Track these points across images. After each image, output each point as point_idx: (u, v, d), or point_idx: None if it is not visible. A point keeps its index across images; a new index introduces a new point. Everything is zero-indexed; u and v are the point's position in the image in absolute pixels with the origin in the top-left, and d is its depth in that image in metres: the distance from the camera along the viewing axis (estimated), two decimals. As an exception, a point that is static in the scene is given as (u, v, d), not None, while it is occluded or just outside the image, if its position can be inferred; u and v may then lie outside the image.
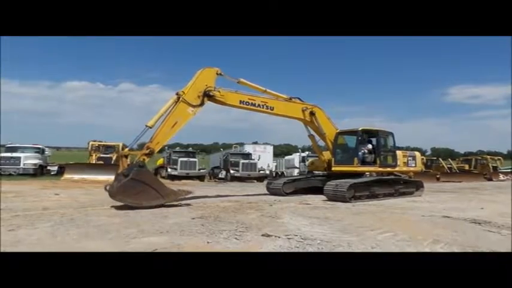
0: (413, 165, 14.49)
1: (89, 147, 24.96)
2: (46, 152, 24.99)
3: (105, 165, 21.55)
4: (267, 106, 12.02)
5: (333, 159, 13.40)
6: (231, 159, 25.55)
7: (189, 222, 6.68)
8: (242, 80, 11.96)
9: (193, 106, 10.34)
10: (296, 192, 13.36)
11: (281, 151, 61.15)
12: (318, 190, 12.57)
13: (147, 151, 9.43)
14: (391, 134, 13.72)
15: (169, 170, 23.51)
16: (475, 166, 34.76)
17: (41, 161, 23.30)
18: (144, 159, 9.21)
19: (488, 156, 36.27)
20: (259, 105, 11.86)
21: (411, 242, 5.23)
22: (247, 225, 6.35)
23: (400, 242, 5.23)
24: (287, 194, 12.90)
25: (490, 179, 30.64)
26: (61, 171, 21.82)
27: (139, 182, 8.55)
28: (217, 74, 11.04)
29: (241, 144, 33.47)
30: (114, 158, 23.66)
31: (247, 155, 26.79)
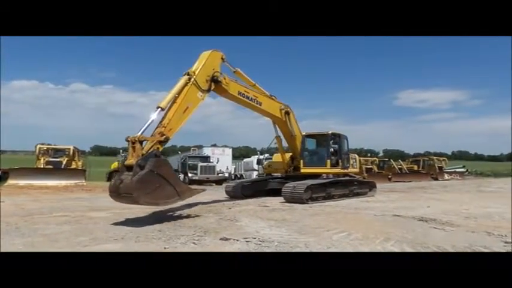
0: (356, 166, 15.34)
1: (37, 151, 23.51)
2: (-12, 156, 23.24)
3: (54, 170, 20.45)
4: (257, 101, 11.70)
5: (301, 161, 13.57)
6: (189, 162, 25.22)
7: (146, 228, 6.51)
8: (239, 70, 11.49)
9: (202, 91, 9.30)
10: (255, 194, 13.43)
11: (240, 153, 61.34)
12: (276, 192, 12.73)
13: (162, 138, 7.85)
14: (346, 137, 14.34)
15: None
16: (423, 166, 36.83)
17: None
18: (158, 147, 7.73)
19: (435, 157, 38.55)
20: (251, 99, 11.46)
21: (364, 241, 5.45)
22: (206, 230, 6.30)
23: (353, 241, 5.43)
24: (246, 197, 12.93)
25: (436, 179, 32.67)
26: (5, 176, 20.36)
27: (157, 175, 7.01)
28: (222, 59, 10.31)
29: (200, 147, 33.20)
30: (64, 162, 22.49)
31: (206, 158, 26.58)
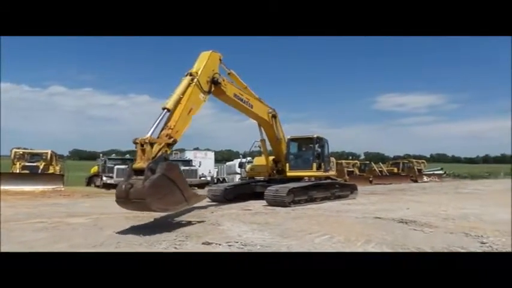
0: (334, 169, 15.84)
1: (12, 155, 22.81)
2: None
3: (30, 175, 19.89)
4: (249, 103, 11.56)
5: (287, 164, 13.61)
6: (171, 166, 24.92)
7: (127, 233, 6.38)
8: (233, 71, 11.33)
9: (204, 92, 8.98)
10: (238, 198, 13.39)
11: (223, 157, 61.09)
12: (259, 196, 12.72)
13: (171, 141, 7.49)
14: (327, 140, 14.65)
15: (104, 178, 22.29)
16: (403, 169, 37.56)
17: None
18: (166, 150, 7.35)
19: (414, 160, 39.41)
20: (245, 101, 11.30)
21: (346, 243, 5.50)
22: (188, 234, 6.23)
23: (335, 244, 5.47)
24: (228, 201, 12.87)
25: (415, 181, 33.36)
26: (-22, 182, 19.65)
27: (168, 180, 6.69)
28: (219, 60, 10.11)
29: (182, 151, 32.89)
30: (41, 166, 21.90)
31: (188, 162, 26.34)
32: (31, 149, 24.19)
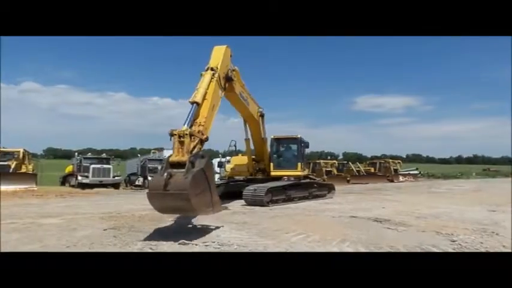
0: (307, 169, 16.14)
1: (-19, 154, 21.96)
2: None
3: (1, 174, 19.16)
4: (247, 101, 11.44)
5: (271, 164, 13.73)
6: (149, 165, 24.57)
7: (101, 234, 6.27)
8: (237, 69, 10.79)
9: (221, 88, 8.59)
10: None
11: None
12: (238, 195, 12.72)
13: (204, 137, 7.02)
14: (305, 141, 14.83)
15: (79, 178, 21.75)
16: (379, 169, 38.25)
17: None
18: (200, 148, 6.92)
19: (390, 160, 40.20)
20: (245, 99, 11.16)
21: (321, 242, 5.59)
22: (164, 234, 6.17)
23: (311, 243, 5.55)
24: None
25: (391, 181, 34.05)
26: None
27: (205, 178, 6.29)
28: (230, 56, 9.79)
29: (161, 149, 32.43)
30: (13, 165, 21.14)
31: (167, 161, 26.03)
32: (2, 148, 23.33)
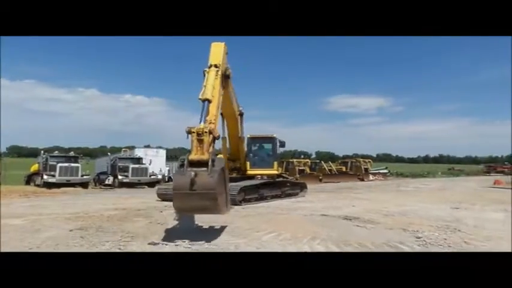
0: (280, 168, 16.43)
1: None
2: None
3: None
4: (234, 99, 11.26)
5: (247, 163, 13.74)
6: (119, 164, 24.03)
7: (66, 235, 6.07)
8: (228, 67, 10.11)
9: (221, 86, 8.30)
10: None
11: (175, 155, 59.80)
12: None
13: (217, 135, 6.75)
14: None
15: (45, 177, 20.95)
16: (351, 168, 39.13)
17: None
18: (213, 146, 6.61)
19: (361, 159, 41.18)
20: (232, 96, 10.88)
21: (292, 241, 5.64)
22: (133, 234, 6.05)
23: (282, 241, 5.60)
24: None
25: (362, 179, 34.88)
26: None
27: (223, 177, 6.23)
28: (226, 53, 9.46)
29: (132, 148, 31.81)
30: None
31: (138, 160, 25.52)
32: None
